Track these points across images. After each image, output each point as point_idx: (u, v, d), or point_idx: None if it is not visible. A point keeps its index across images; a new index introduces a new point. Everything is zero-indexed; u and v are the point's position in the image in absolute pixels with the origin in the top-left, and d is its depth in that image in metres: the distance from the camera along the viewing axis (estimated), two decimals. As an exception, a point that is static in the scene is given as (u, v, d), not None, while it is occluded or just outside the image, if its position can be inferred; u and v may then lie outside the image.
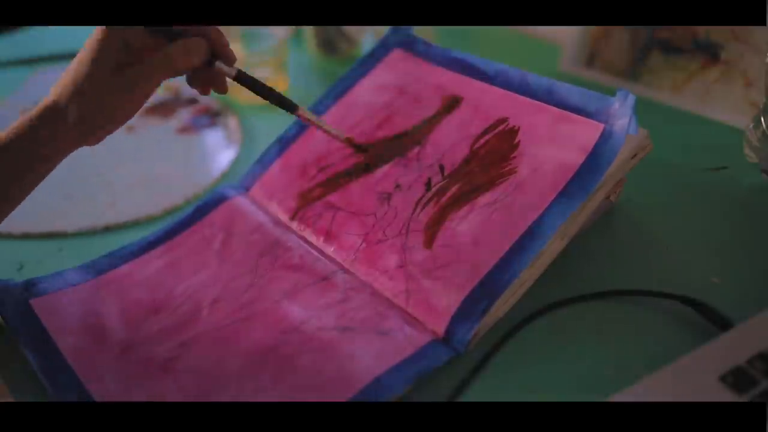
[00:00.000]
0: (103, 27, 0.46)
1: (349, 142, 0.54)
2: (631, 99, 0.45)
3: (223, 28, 0.78)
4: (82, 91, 0.45)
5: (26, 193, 0.48)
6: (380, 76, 0.59)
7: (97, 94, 0.46)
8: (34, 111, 0.46)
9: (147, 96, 0.47)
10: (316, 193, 0.54)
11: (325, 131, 0.53)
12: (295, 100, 0.63)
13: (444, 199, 0.49)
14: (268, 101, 0.51)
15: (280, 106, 0.51)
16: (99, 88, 0.46)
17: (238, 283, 0.49)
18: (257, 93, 0.51)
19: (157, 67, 0.46)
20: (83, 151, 0.48)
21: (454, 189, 0.49)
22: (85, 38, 0.46)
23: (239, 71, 0.49)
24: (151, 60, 0.46)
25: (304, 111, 0.52)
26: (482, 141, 0.51)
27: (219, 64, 0.48)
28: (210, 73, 0.49)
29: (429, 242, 0.47)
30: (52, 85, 0.46)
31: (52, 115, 0.46)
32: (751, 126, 0.54)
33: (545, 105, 0.50)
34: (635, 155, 0.48)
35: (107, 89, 0.46)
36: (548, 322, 0.45)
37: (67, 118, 0.46)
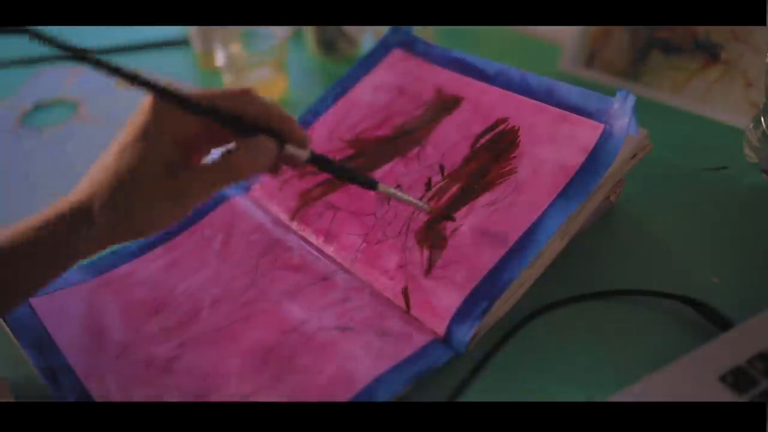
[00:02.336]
0: (151, 116, 0.38)
1: (438, 212, 0.48)
2: (631, 99, 0.45)
3: (223, 28, 0.78)
4: (121, 195, 0.38)
5: (23, 299, 0.41)
6: (380, 76, 0.59)
7: (140, 201, 0.38)
8: (51, 212, 0.39)
9: (197, 204, 0.39)
10: (316, 193, 0.54)
11: (411, 203, 0.48)
12: (295, 100, 0.63)
13: (444, 199, 0.49)
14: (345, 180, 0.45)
15: (359, 185, 0.45)
16: (144, 194, 0.38)
17: (238, 283, 0.49)
18: (335, 175, 0.44)
19: (218, 176, 0.39)
20: (83, 152, 0.47)
21: (454, 189, 0.49)
22: (85, 38, 0.46)
23: (313, 154, 0.43)
24: (214, 167, 0.39)
25: (386, 187, 0.45)
26: (482, 141, 0.51)
27: (290, 149, 0.41)
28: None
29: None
30: (52, 84, 0.45)
31: (78, 219, 0.38)
32: (751, 126, 0.54)
33: (545, 105, 0.50)
34: (635, 155, 0.48)
35: (154, 196, 0.38)
36: (548, 321, 0.45)
37: (96, 224, 0.38)
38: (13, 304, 0.41)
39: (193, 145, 0.40)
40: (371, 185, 0.45)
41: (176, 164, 0.39)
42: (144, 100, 0.39)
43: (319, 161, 0.43)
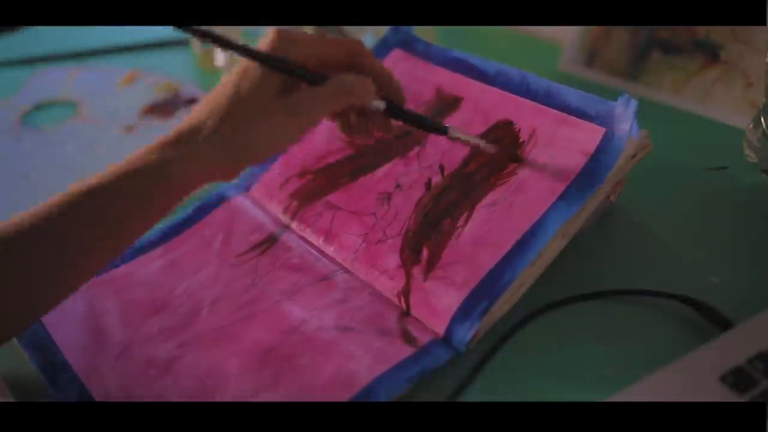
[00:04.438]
0: (276, 42, 0.40)
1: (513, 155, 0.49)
2: (633, 104, 0.45)
3: (223, 28, 0.78)
4: (239, 112, 0.39)
5: (138, 234, 0.41)
6: (380, 76, 0.59)
7: (257, 116, 0.39)
8: (166, 136, 0.40)
9: (313, 124, 0.41)
10: (316, 193, 0.54)
11: (481, 147, 0.49)
12: None
13: (444, 199, 0.49)
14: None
15: (431, 131, 0.48)
16: (261, 109, 0.39)
17: (238, 283, 0.49)
18: (410, 123, 0.46)
19: (333, 95, 0.41)
20: (83, 152, 0.47)
21: (454, 189, 0.49)
22: (85, 38, 0.46)
23: (388, 104, 0.44)
24: (329, 86, 0.41)
25: (456, 131, 0.47)
26: (482, 141, 0.51)
27: (377, 104, 0.44)
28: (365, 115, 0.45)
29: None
30: (52, 84, 0.45)
31: (191, 137, 0.39)
32: (751, 126, 0.54)
33: (546, 107, 0.50)
34: (635, 155, 0.48)
35: (270, 112, 0.40)
36: (548, 322, 0.45)
37: (210, 141, 0.39)
38: (117, 250, 0.41)
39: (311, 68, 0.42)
40: (443, 131, 0.47)
41: (292, 84, 0.41)
42: (270, 30, 0.41)
43: (392, 111, 0.45)
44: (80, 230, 0.39)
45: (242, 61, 0.41)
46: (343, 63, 0.43)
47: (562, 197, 0.45)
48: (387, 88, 0.44)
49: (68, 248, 0.39)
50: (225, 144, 0.40)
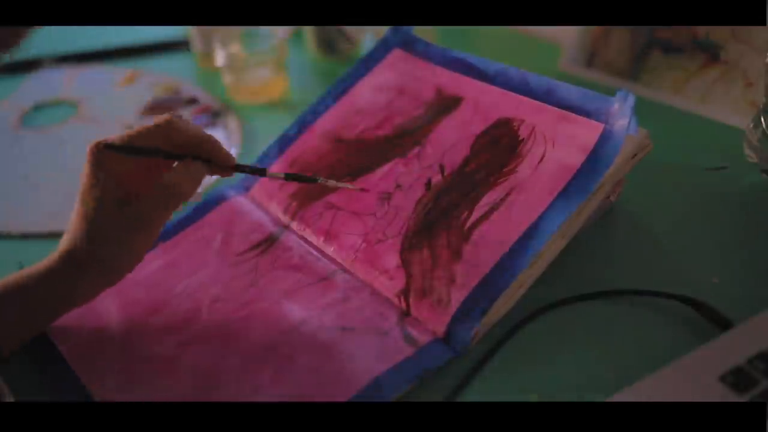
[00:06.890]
0: (91, 167, 0.43)
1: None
2: (631, 99, 0.45)
3: (223, 28, 0.78)
4: (96, 234, 0.44)
5: (33, 334, 0.46)
6: (380, 76, 0.59)
7: (112, 235, 0.44)
8: (48, 263, 0.44)
9: (162, 225, 0.46)
10: (316, 193, 0.54)
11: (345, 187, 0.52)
12: (295, 101, 0.62)
13: (444, 199, 0.49)
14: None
15: (301, 181, 0.51)
16: (110, 230, 0.44)
17: (238, 283, 0.49)
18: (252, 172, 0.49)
19: (163, 200, 0.45)
20: (83, 152, 0.47)
21: (454, 189, 0.49)
22: (85, 38, 0.46)
23: (236, 165, 0.47)
24: (156, 193, 0.44)
25: (324, 180, 0.51)
26: (482, 141, 0.51)
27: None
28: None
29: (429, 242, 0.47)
30: (52, 84, 0.45)
31: (70, 264, 0.44)
32: (751, 126, 0.54)
33: (545, 105, 0.50)
34: (635, 155, 0.48)
35: (120, 227, 0.44)
36: (548, 322, 0.45)
37: (87, 264, 0.44)
38: (14, 346, 0.45)
39: (137, 179, 0.45)
40: (312, 180, 0.50)
41: (127, 198, 0.44)
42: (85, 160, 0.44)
43: (241, 169, 0.48)
44: None
45: (79, 191, 0.44)
46: (168, 143, 0.45)
47: (562, 195, 0.45)
48: (211, 152, 0.46)
49: None
50: (98, 264, 0.44)
